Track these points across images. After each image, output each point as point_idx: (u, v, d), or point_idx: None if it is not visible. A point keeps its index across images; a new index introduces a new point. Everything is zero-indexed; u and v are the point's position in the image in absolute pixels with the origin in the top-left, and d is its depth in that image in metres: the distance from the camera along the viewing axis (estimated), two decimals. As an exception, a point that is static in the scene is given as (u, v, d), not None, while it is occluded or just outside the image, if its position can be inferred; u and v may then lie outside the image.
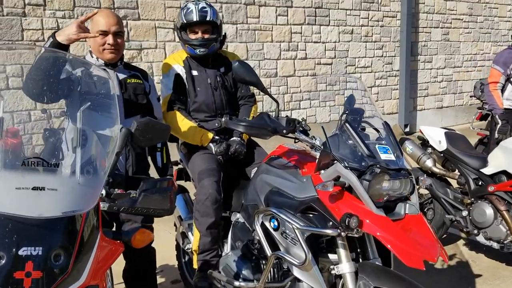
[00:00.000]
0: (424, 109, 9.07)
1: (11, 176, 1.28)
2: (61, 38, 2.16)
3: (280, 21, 7.09)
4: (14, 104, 2.11)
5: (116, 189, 1.64)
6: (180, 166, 3.18)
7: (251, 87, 2.96)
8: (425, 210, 3.89)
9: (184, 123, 2.80)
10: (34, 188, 1.25)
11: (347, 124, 2.10)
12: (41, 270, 1.19)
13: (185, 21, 2.80)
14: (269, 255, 2.21)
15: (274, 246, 2.23)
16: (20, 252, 1.18)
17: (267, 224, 2.25)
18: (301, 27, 7.29)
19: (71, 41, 2.18)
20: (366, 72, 8.13)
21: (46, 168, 1.35)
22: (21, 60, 2.14)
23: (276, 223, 2.20)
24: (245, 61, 2.45)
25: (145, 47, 6.05)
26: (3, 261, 1.16)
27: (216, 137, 2.81)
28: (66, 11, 5.55)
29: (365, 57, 8.09)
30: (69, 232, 1.28)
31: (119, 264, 1.74)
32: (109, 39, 2.40)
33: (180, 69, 2.89)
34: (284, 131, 2.21)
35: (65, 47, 2.17)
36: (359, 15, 7.91)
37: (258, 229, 2.27)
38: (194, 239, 2.74)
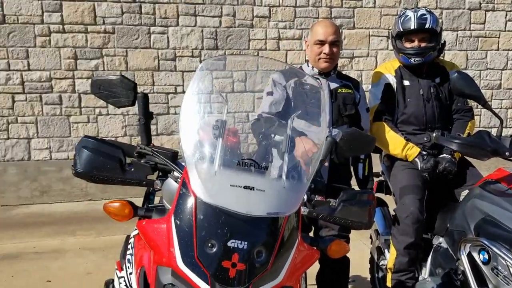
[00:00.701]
0: None
1: (228, 174, 1.42)
2: None
3: (510, 27, 6.27)
4: (236, 106, 2.36)
5: (316, 196, 1.68)
6: (381, 178, 3.09)
7: (469, 100, 2.69)
8: None
9: (390, 134, 2.70)
10: (245, 187, 1.36)
11: None
12: (244, 262, 1.29)
13: (401, 29, 2.71)
14: (474, 290, 1.98)
15: (481, 281, 2.00)
16: (229, 244, 1.29)
17: (475, 255, 2.02)
18: (538, 33, 6.32)
19: None
20: None
21: (257, 170, 1.46)
22: (246, 67, 2.38)
23: (486, 256, 1.95)
24: (465, 72, 2.24)
25: (356, 55, 6.08)
26: (215, 249, 1.29)
27: (424, 152, 2.64)
28: (287, 22, 5.98)
29: None
30: (271, 232, 1.35)
31: (313, 266, 1.78)
32: (325, 48, 2.47)
33: (391, 79, 2.80)
34: (507, 153, 1.94)
35: None
36: None
37: (464, 259, 2.05)
38: (390, 257, 2.63)
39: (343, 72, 2.87)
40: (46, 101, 5.62)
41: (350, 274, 2.81)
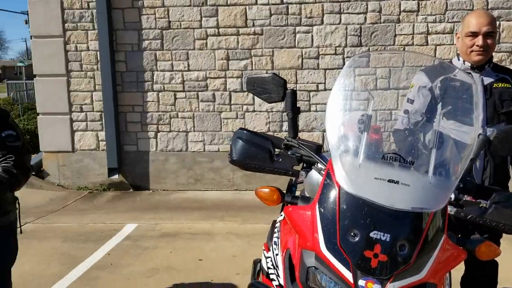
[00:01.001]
0: None
1: (372, 167, 1.46)
2: None
3: None
4: (379, 103, 2.35)
5: (465, 196, 1.62)
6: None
7: None
8: None
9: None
10: (389, 181, 1.38)
11: None
12: (387, 254, 1.31)
13: None
14: None
15: None
16: (371, 234, 1.33)
17: None
18: None
19: None
20: None
21: (401, 164, 1.47)
22: (390, 63, 2.36)
23: None
24: None
25: (518, 48, 5.50)
26: (357, 238, 1.34)
27: None
28: (437, 15, 5.66)
29: None
30: (415, 227, 1.35)
31: (459, 270, 1.70)
32: (478, 40, 2.32)
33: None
34: None
35: None
36: None
37: None
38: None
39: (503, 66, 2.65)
40: (202, 98, 6.19)
41: (502, 285, 2.61)
